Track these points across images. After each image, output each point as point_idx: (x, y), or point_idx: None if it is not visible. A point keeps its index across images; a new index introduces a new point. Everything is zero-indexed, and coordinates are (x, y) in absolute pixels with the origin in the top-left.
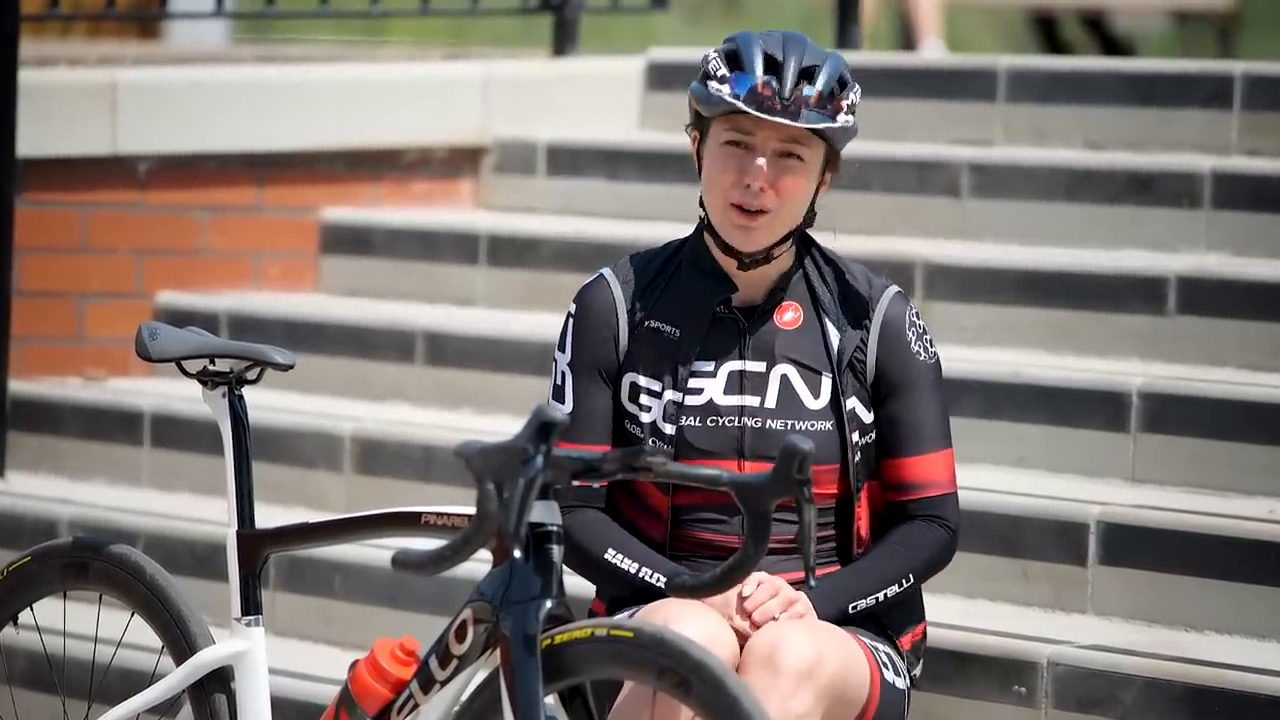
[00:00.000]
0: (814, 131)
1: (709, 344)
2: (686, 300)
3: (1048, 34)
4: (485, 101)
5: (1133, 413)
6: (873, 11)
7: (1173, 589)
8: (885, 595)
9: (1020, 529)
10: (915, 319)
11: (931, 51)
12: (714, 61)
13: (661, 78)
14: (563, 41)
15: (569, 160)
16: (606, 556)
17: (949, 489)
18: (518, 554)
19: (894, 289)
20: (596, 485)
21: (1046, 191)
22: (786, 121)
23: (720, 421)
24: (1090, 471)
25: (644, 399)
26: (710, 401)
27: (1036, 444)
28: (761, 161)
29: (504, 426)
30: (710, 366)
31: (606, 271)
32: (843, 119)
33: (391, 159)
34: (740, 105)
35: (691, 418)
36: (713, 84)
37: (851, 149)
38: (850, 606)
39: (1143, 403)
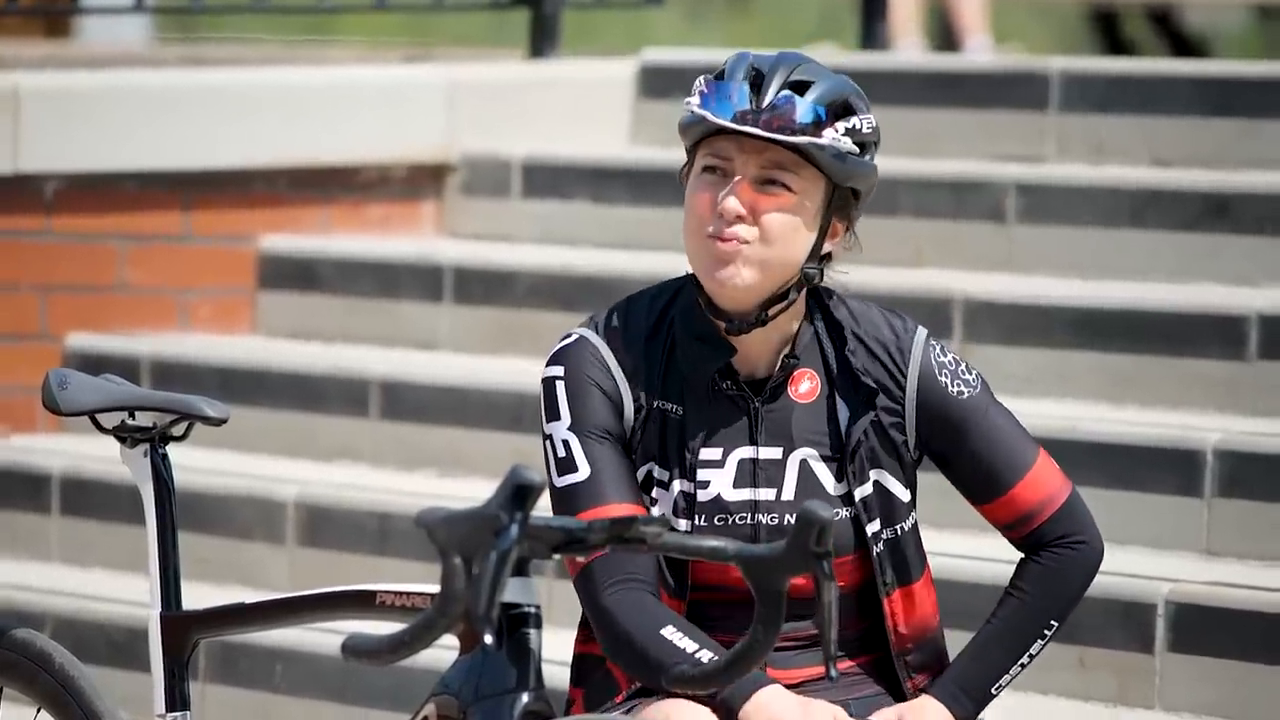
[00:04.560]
0: (802, 155)
1: (715, 426)
2: (684, 371)
3: (1108, 32)
4: (451, 111)
5: (1207, 474)
6: (910, 9)
7: (1252, 680)
8: (1030, 656)
9: (1077, 610)
10: (940, 357)
11: (978, 52)
12: (699, 82)
13: (656, 83)
14: (541, 41)
15: (548, 180)
16: (664, 634)
17: (1065, 492)
18: (489, 640)
19: (921, 336)
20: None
21: (1107, 216)
22: (759, 133)
23: (730, 520)
24: (1158, 543)
25: (655, 491)
26: (718, 497)
27: (1095, 511)
28: (738, 181)
29: (473, 491)
30: (717, 454)
31: (586, 334)
32: (831, 137)
33: (342, 178)
34: (709, 117)
35: (698, 515)
36: (691, 103)
37: (879, 165)
38: (993, 688)
39: (1219, 462)
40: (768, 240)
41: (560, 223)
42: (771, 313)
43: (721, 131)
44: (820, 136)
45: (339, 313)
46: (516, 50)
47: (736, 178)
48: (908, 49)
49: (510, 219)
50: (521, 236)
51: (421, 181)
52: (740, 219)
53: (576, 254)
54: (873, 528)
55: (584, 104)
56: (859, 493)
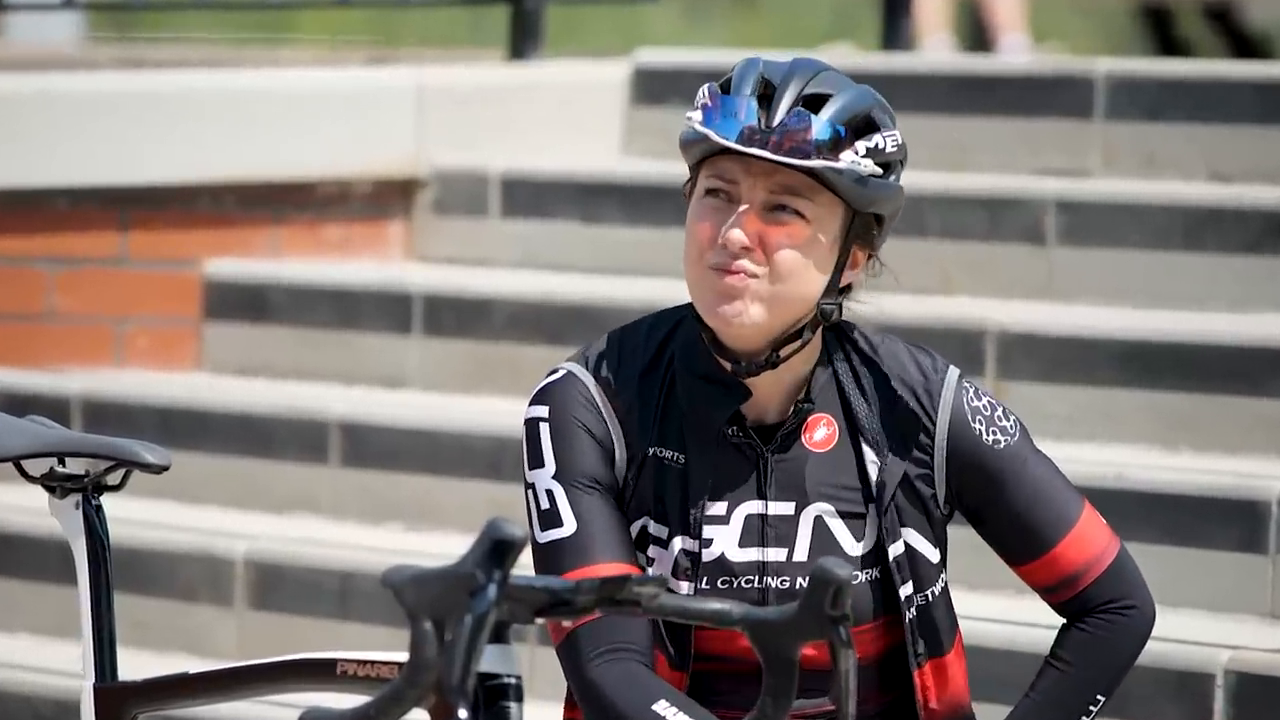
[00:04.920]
0: (814, 178)
1: (720, 477)
2: (686, 413)
3: (1159, 30)
4: (420, 119)
5: (1272, 527)
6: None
7: None
8: None
9: (1125, 681)
10: (974, 400)
11: (1014, 52)
12: (702, 93)
13: (652, 87)
14: (522, 40)
15: (531, 196)
16: (657, 709)
17: (1113, 550)
18: (464, 715)
19: (952, 377)
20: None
21: (1158, 237)
22: (768, 155)
23: (735, 583)
24: (1217, 605)
25: (651, 549)
26: (721, 557)
27: (1146, 569)
28: (744, 210)
29: (445, 547)
30: (722, 509)
31: (575, 370)
32: (850, 159)
33: (297, 195)
34: (712, 136)
35: (701, 577)
36: (693, 117)
37: (904, 183)
38: None
39: None
40: (778, 276)
41: (544, 245)
42: (783, 353)
43: (726, 151)
44: (837, 159)
45: (294, 346)
46: (495, 51)
47: (743, 205)
48: (935, 48)
49: (488, 240)
50: (500, 260)
51: (387, 198)
52: (746, 251)
53: (563, 280)
54: (905, 591)
55: (571, 111)
56: (893, 551)
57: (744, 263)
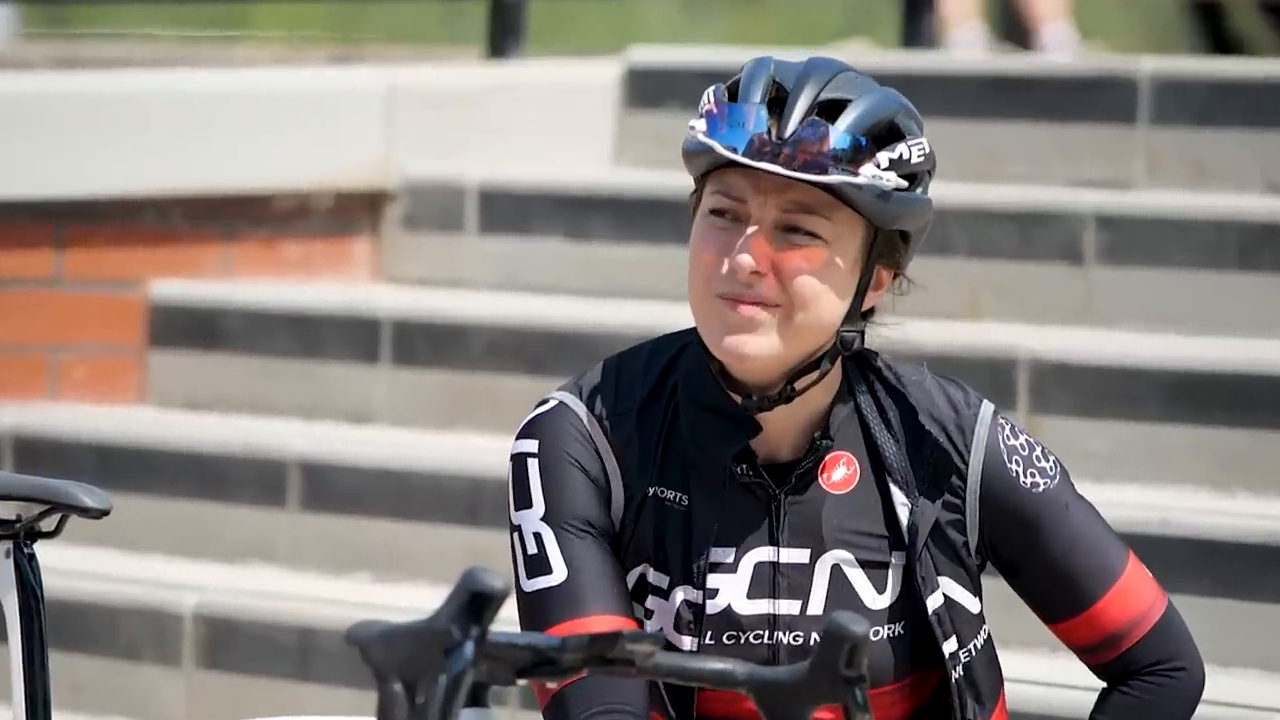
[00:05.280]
0: (832, 193)
1: (728, 521)
2: (691, 450)
3: (1211, 24)
4: (389, 124)
5: None
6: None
7: None
8: None
9: None
10: (1011, 439)
11: (1056, 46)
12: (707, 97)
13: (647, 89)
14: (503, 37)
15: (512, 210)
16: None
17: (1159, 607)
18: None
19: (986, 413)
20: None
21: (1209, 255)
22: (779, 170)
23: (743, 638)
24: (1273, 664)
25: (650, 600)
26: (728, 609)
27: (1196, 625)
28: (754, 232)
29: (417, 600)
30: (729, 556)
31: (568, 400)
32: (870, 173)
33: (252, 209)
34: (717, 148)
35: (705, 631)
36: (697, 126)
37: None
38: None
39: None
40: (794, 304)
41: (527, 264)
42: (799, 385)
43: (733, 165)
44: (857, 173)
45: (249, 376)
46: (472, 48)
47: (752, 226)
48: (965, 39)
49: (464, 259)
50: (478, 281)
51: (352, 212)
52: (757, 277)
53: (547, 303)
54: (949, 647)
55: (556, 115)
56: (931, 603)
57: (756, 290)
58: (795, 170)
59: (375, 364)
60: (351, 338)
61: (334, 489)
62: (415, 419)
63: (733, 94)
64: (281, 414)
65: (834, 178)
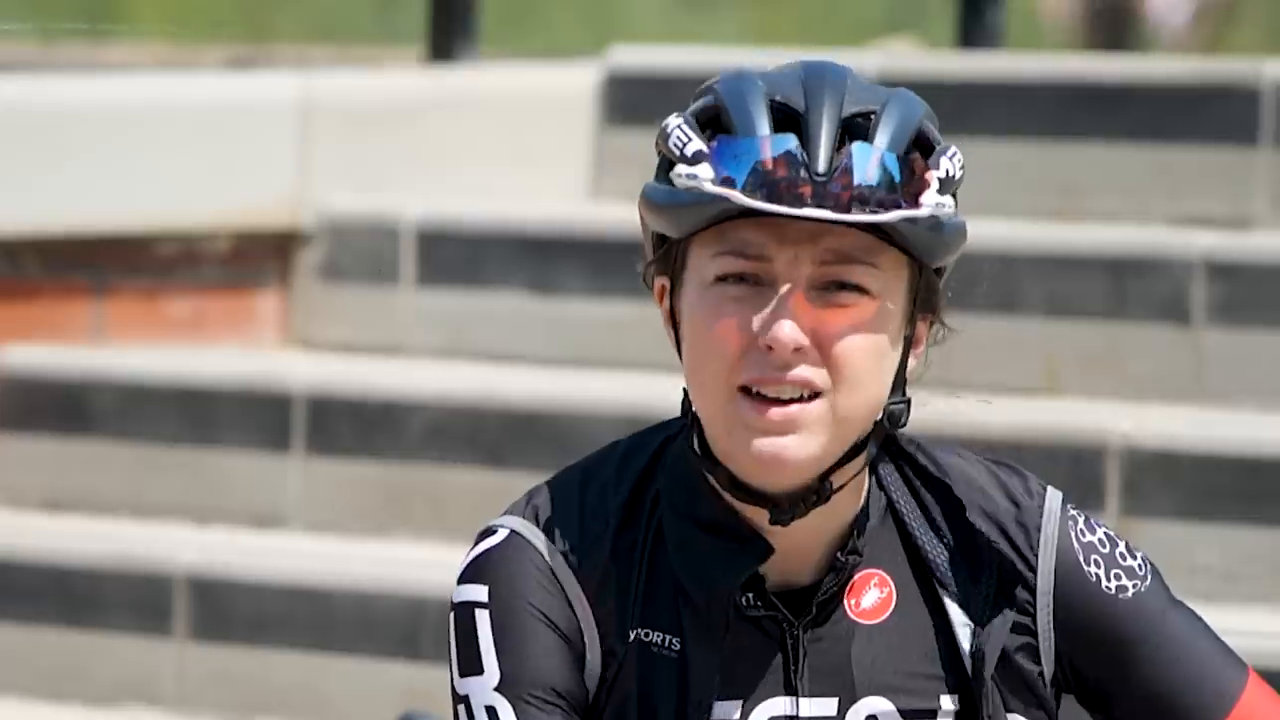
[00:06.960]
0: (880, 234)
1: (732, 666)
2: (683, 581)
3: None
4: (304, 145)
5: None
6: None
7: None
8: None
9: None
10: (1086, 534)
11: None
12: (676, 134)
13: (631, 100)
14: (450, 35)
15: (460, 256)
16: None
17: None
18: None
19: (1054, 503)
20: None
21: None
22: (827, 215)
23: None
24: None
25: None
26: None
27: None
28: (787, 292)
29: None
30: (735, 711)
31: (520, 528)
32: (932, 201)
33: (127, 255)
34: (736, 197)
35: None
36: (680, 170)
37: (988, 237)
38: None
39: None
40: (846, 382)
41: (480, 325)
42: (836, 480)
43: (747, 214)
44: (919, 204)
45: (126, 468)
46: (409, 49)
47: (784, 286)
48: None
49: (399, 319)
50: (417, 347)
51: (255, 259)
52: (800, 354)
53: (506, 375)
54: None
55: (517, 134)
56: None
57: (800, 371)
58: (848, 213)
59: (286, 453)
60: (255, 419)
61: (233, 613)
62: (337, 523)
63: (719, 124)
64: (166, 517)
65: (894, 215)
